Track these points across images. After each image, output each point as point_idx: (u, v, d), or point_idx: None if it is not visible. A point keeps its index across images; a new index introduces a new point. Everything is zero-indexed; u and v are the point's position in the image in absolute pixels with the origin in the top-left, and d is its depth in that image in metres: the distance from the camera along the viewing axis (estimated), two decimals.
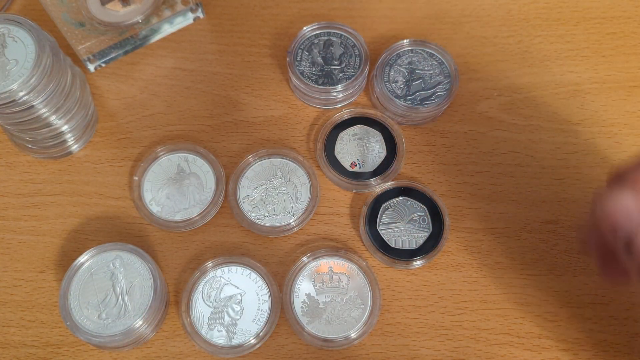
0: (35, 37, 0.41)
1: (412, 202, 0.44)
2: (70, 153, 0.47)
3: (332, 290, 0.42)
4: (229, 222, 0.45)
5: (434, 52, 0.48)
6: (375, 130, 0.47)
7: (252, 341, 0.41)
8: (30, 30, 0.41)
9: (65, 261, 0.44)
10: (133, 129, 0.48)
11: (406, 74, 0.47)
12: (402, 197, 0.44)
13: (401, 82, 0.47)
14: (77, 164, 0.47)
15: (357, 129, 0.47)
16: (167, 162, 0.46)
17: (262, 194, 0.45)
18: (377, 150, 0.46)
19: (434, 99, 0.46)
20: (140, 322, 0.40)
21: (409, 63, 0.48)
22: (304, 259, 0.43)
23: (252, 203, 0.45)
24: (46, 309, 0.43)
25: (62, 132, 0.45)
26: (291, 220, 0.44)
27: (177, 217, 0.44)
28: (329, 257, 0.43)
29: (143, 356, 0.41)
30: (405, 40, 0.48)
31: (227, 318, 0.41)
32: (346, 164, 0.46)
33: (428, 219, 0.44)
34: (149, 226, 0.45)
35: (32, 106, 0.41)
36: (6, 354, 0.41)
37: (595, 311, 0.42)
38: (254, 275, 0.42)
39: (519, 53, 0.50)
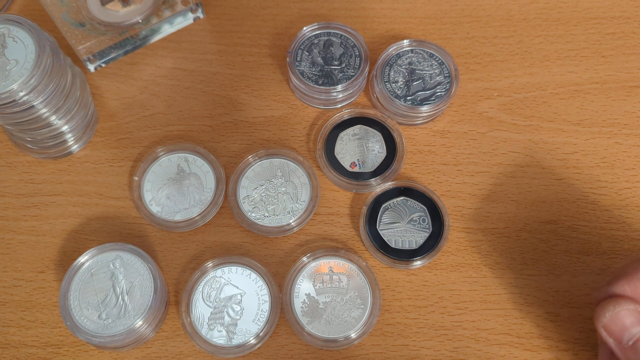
0: (35, 37, 0.41)
1: (412, 202, 0.44)
2: (70, 153, 0.47)
3: (332, 290, 0.42)
4: (229, 222, 0.45)
5: (434, 52, 0.48)
6: (375, 131, 0.47)
7: (252, 341, 0.41)
8: (30, 30, 0.41)
9: (65, 261, 0.44)
10: (133, 129, 0.48)
11: (406, 74, 0.47)
12: (402, 197, 0.44)
13: (401, 82, 0.47)
14: (77, 164, 0.47)
15: (357, 129, 0.47)
16: (167, 162, 0.46)
17: (262, 194, 0.45)
18: (377, 150, 0.46)
19: (434, 99, 0.46)
20: (141, 322, 0.40)
21: (409, 63, 0.48)
22: (304, 259, 0.43)
23: (252, 203, 0.45)
24: (46, 309, 0.43)
25: (62, 132, 0.45)
26: (291, 221, 0.44)
27: (177, 217, 0.44)
28: (329, 257, 0.43)
29: (143, 356, 0.41)
30: (405, 40, 0.48)
31: (227, 318, 0.41)
32: (346, 164, 0.46)
33: (428, 219, 0.44)
34: (149, 226, 0.45)
35: (32, 106, 0.41)
36: (6, 354, 0.41)
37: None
38: (254, 275, 0.42)
39: (519, 53, 0.50)
